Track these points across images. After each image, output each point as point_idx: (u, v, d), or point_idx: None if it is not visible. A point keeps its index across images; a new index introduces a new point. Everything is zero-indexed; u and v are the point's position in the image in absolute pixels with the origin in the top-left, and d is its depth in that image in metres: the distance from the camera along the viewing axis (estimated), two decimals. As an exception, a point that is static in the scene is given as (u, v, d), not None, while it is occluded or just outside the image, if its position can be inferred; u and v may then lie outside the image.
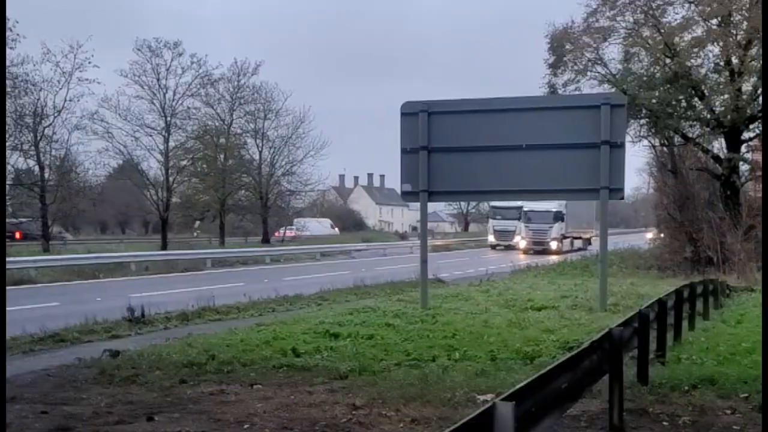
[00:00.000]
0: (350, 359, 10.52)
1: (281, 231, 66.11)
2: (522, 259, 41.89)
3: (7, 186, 42.91)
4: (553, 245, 52.60)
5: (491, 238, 60.17)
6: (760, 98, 25.82)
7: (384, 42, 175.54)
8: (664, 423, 7.61)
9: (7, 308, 18.30)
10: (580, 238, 59.77)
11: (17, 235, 56.68)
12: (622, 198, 18.15)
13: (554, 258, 42.33)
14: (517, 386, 4.94)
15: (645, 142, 34.42)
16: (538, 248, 52.22)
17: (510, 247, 55.56)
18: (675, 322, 11.89)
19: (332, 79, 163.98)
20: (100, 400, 8.48)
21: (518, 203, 51.71)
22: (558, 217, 52.75)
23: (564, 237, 54.73)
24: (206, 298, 17.22)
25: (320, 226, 77.32)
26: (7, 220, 59.86)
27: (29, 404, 8.40)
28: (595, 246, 51.36)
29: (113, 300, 18.47)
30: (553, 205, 50.78)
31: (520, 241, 54.21)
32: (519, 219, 54.44)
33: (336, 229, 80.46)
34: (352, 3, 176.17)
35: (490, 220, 61.17)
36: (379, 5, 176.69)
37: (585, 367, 6.51)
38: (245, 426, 7.46)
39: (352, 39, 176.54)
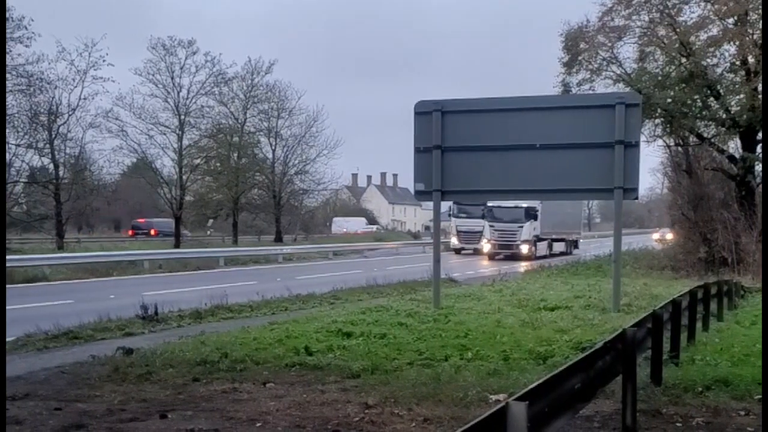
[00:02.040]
0: (363, 358, 10.53)
1: (345, 230, 73.70)
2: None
3: (22, 184, 43.24)
4: (524, 249, 44.29)
5: (454, 241, 50.81)
6: None
7: (395, 42, 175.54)
8: (678, 424, 7.57)
9: (22, 305, 18.49)
10: (562, 240, 51.20)
11: (152, 232, 57.95)
12: (636, 198, 18.09)
13: (556, 261, 39.78)
14: (530, 386, 4.93)
15: (660, 141, 34.30)
16: (506, 252, 44.46)
17: (478, 251, 47.94)
18: (689, 323, 11.83)
19: (344, 79, 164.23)
20: (113, 398, 8.51)
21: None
22: (530, 214, 44.60)
23: (539, 239, 46.24)
24: (219, 296, 17.26)
25: (358, 224, 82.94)
26: (150, 220, 61.41)
27: (43, 401, 8.44)
28: (583, 249, 49.26)
29: (127, 298, 18.53)
30: (528, 201, 43.11)
31: (484, 244, 46.21)
32: (483, 217, 46.14)
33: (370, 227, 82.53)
34: (363, 3, 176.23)
35: (453, 219, 50.96)
36: (391, 5, 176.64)
37: (598, 368, 6.48)
38: (258, 424, 7.48)
39: (364, 39, 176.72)
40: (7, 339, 12.38)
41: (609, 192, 16.76)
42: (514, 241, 44.54)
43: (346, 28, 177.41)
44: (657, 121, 31.66)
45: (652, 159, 72.59)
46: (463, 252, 49.69)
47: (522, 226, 44.50)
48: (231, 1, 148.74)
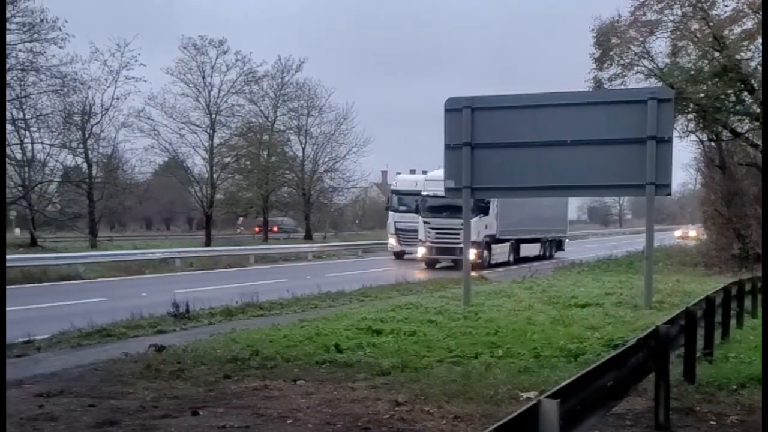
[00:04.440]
0: (392, 355, 10.53)
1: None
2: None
3: (56, 183, 43.83)
4: (470, 253, 32.31)
5: (392, 242, 40.22)
6: None
7: (423, 39, 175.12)
8: (711, 422, 7.49)
9: (56, 303, 18.71)
10: (536, 240, 39.91)
11: (275, 229, 59.53)
12: (669, 194, 17.92)
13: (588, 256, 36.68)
14: (562, 384, 4.89)
15: (692, 137, 33.90)
16: (447, 258, 34.19)
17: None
18: (723, 319, 11.69)
19: (372, 77, 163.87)
20: (146, 395, 8.58)
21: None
22: (479, 207, 31.75)
23: (495, 239, 34.85)
24: (249, 293, 17.33)
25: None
26: (274, 218, 63.28)
27: (77, 398, 8.53)
28: (571, 251, 42.88)
29: (158, 295, 18.68)
30: None
31: (419, 247, 34.88)
32: (416, 211, 35.43)
33: None
34: (389, 1, 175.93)
35: (391, 215, 40.53)
36: (417, 3, 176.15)
37: (631, 365, 6.43)
38: (288, 421, 7.50)
39: (392, 36, 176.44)
40: (43, 336, 12.60)
41: (641, 188, 16.59)
42: (458, 243, 30.75)
43: (372, 25, 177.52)
44: (690, 116, 31.30)
45: (685, 154, 71.79)
46: (405, 257, 38.98)
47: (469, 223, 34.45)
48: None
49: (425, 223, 34.02)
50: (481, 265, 31.73)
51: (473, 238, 30.07)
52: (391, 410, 7.76)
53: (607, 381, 5.74)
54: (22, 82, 37.06)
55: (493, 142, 17.33)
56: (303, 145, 58.11)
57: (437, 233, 33.55)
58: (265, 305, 16.99)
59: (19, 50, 36.47)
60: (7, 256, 28.51)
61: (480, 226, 32.76)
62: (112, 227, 66.90)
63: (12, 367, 10.52)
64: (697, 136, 34.05)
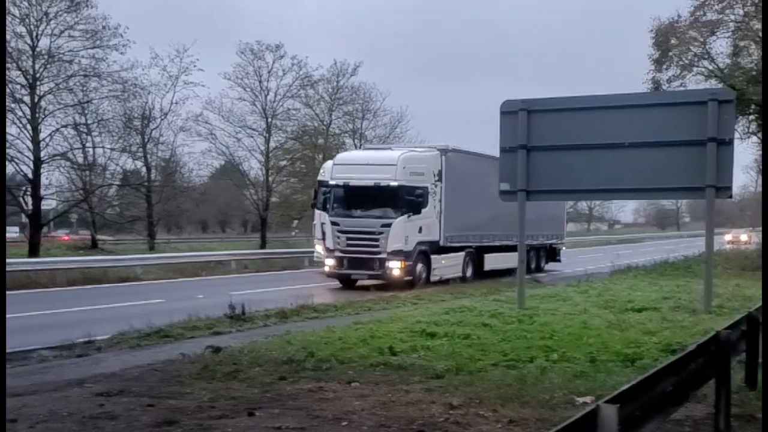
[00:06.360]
0: (447, 359, 10.49)
1: None
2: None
3: (115, 186, 44.73)
4: (394, 267, 24.17)
5: (319, 250, 28.86)
6: None
7: (477, 41, 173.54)
8: (775, 430, 7.30)
9: (116, 304, 19.09)
10: (514, 248, 21.40)
11: None
12: (730, 197, 17.55)
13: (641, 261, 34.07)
14: (621, 389, 4.83)
15: (753, 138, 33.21)
16: (361, 274, 25.02)
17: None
18: (787, 325, 11.40)
19: (428, 79, 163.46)
20: (203, 395, 8.69)
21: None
22: (409, 202, 24.47)
23: (441, 248, 25.96)
24: (304, 296, 17.45)
25: None
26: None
27: (136, 397, 8.68)
28: (569, 263, 34.43)
29: (215, 297, 18.93)
30: (401, 174, 24.18)
31: (326, 257, 25.85)
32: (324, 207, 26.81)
33: None
34: (442, 3, 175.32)
35: (317, 214, 29.34)
36: (471, 4, 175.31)
37: (691, 371, 6.31)
38: (343, 423, 7.52)
39: (447, 39, 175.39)
40: (103, 336, 12.86)
41: (701, 191, 16.28)
42: (376, 252, 24.33)
43: (428, 28, 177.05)
44: (751, 117, 30.72)
45: (746, 156, 70.13)
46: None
47: (389, 224, 24.31)
48: (315, 2, 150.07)
49: (333, 224, 25.14)
50: (412, 282, 24.17)
51: (397, 245, 24.18)
52: (445, 413, 7.74)
53: (666, 386, 5.65)
54: (85, 88, 37.91)
55: (549, 145, 17.17)
56: (358, 149, 58.27)
57: (349, 238, 24.69)
58: (319, 307, 17.10)
59: (82, 56, 37.41)
60: (69, 258, 29.28)
61: (408, 230, 24.55)
62: (169, 230, 68.01)
63: (73, 366, 10.80)
64: (758, 138, 33.37)
